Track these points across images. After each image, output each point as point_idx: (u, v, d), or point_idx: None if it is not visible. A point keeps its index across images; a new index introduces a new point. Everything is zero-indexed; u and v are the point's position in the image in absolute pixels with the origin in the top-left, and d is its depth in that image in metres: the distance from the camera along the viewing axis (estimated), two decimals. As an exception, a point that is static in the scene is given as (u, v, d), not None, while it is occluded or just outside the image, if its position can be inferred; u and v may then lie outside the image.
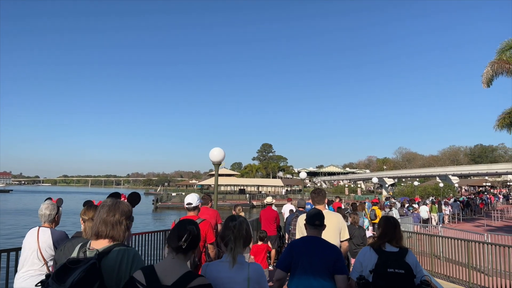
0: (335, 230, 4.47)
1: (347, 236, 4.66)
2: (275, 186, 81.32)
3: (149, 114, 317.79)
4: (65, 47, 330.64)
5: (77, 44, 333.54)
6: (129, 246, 2.44)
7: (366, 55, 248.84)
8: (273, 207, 10.97)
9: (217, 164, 9.77)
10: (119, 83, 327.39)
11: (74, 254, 2.30)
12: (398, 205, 22.12)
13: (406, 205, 22.90)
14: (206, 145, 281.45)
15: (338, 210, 11.26)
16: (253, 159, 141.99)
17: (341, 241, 4.57)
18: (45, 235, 3.67)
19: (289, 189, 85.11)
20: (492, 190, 64.29)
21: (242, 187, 73.99)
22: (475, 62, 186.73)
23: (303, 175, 18.92)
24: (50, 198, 3.97)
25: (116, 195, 3.00)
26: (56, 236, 3.69)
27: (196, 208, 5.00)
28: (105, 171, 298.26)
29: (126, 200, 2.86)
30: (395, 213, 17.71)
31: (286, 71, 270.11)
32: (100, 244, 2.29)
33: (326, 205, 5.59)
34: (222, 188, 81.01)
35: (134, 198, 3.34)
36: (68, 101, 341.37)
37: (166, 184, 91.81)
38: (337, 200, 15.68)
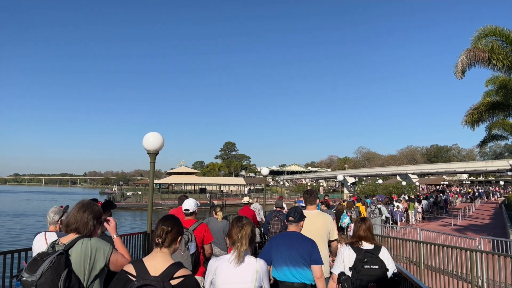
0: (324, 230, 4.74)
1: (336, 236, 4.94)
2: (237, 185, 79.13)
3: (109, 111, 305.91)
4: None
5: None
6: (92, 237, 2.78)
7: (324, 57, 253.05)
8: (251, 207, 11.13)
9: (154, 154, 7.60)
10: (73, 78, 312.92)
11: (45, 249, 2.61)
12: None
13: (393, 203, 22.44)
14: (168, 144, 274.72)
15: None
16: (216, 157, 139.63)
17: (330, 241, 4.85)
18: (52, 238, 3.75)
19: (251, 188, 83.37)
20: (447, 189, 65.80)
21: (202, 186, 71.28)
22: (432, 68, 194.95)
23: (265, 171, 17.05)
24: (61, 206, 4.21)
25: (94, 201, 3.29)
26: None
27: (193, 213, 5.12)
28: (60, 170, 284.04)
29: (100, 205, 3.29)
30: (383, 210, 18.17)
31: (248, 71, 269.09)
32: (66, 239, 2.67)
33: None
34: (177, 187, 77.97)
35: (107, 205, 3.64)
36: (20, 94, 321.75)
37: (121, 183, 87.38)
38: (326, 197, 16.43)
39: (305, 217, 4.13)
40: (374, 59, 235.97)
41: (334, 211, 13.52)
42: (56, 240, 2.66)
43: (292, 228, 3.99)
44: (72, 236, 2.70)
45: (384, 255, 3.75)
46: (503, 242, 10.89)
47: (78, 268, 2.52)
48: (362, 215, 16.11)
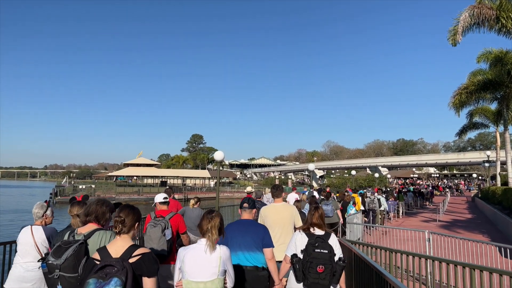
0: (290, 219, 5.41)
1: (301, 223, 5.35)
2: (201, 178, 74.57)
3: (71, 103, 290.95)
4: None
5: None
6: (107, 230, 3.24)
7: (294, 53, 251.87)
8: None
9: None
10: (35, 65, 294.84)
11: (65, 238, 3.20)
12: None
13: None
14: (134, 137, 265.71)
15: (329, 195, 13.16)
16: (182, 150, 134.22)
17: (295, 228, 5.15)
18: (38, 232, 4.14)
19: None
20: (422, 182, 64.64)
21: (164, 179, 66.53)
22: (398, 66, 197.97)
23: (219, 155, 13.40)
24: (45, 202, 4.56)
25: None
26: (48, 232, 4.19)
27: (166, 203, 5.69)
28: (19, 163, 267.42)
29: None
30: (382, 201, 18.26)
31: (218, 65, 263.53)
32: (85, 229, 3.16)
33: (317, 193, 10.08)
34: (140, 181, 72.93)
35: (116, 206, 3.93)
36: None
37: (73, 175, 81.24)
38: (328, 189, 16.92)
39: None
40: (342, 57, 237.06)
41: (341, 202, 13.56)
42: (74, 230, 3.24)
43: (245, 215, 4.39)
44: (90, 227, 3.19)
45: (333, 241, 3.98)
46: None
47: None
48: (358, 206, 15.92)
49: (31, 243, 4.04)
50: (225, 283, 3.19)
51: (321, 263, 3.74)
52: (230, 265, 3.24)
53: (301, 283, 3.84)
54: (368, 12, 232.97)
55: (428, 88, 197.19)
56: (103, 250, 2.65)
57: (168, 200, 5.78)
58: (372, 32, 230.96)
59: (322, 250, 3.80)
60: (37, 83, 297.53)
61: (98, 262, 2.53)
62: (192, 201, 8.52)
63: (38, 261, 3.00)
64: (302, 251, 3.89)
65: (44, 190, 72.01)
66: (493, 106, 26.45)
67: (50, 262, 2.76)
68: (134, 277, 2.47)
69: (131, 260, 2.54)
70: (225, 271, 3.16)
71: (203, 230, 3.21)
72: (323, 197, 13.40)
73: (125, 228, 2.73)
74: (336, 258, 3.85)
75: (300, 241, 3.98)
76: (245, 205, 4.34)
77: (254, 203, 4.44)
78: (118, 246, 2.66)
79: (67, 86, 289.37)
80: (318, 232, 4.02)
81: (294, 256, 3.90)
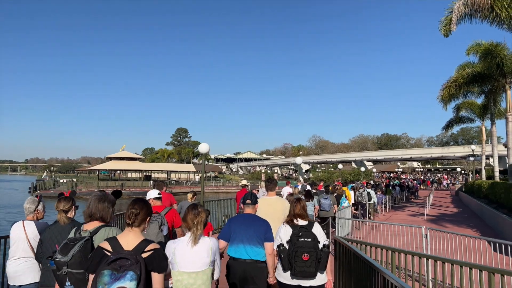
0: (281, 213, 5.48)
1: None
2: (186, 172, 73.57)
3: (55, 96, 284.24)
4: None
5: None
6: (113, 226, 3.36)
7: (280, 48, 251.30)
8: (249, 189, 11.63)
9: None
10: (16, 60, 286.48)
11: (72, 235, 3.19)
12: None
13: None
14: (118, 130, 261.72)
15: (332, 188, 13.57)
16: (167, 144, 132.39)
17: None
18: (31, 227, 4.12)
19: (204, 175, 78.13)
20: (403, 176, 65.20)
21: (148, 173, 65.34)
22: (382, 63, 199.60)
23: (204, 148, 12.79)
24: (37, 196, 4.48)
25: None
26: (40, 227, 4.12)
27: (159, 199, 5.90)
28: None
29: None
30: (373, 195, 18.25)
31: (203, 59, 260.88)
32: (91, 226, 3.21)
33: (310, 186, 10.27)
34: (123, 175, 71.51)
35: (117, 193, 4.26)
36: None
37: (53, 169, 79.31)
38: (321, 183, 17.49)
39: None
40: (327, 52, 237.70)
41: (335, 195, 13.57)
42: (80, 227, 3.26)
43: (248, 210, 4.51)
44: (95, 224, 3.24)
45: (317, 229, 4.15)
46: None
47: None
48: (349, 199, 15.94)
49: (23, 238, 4.05)
50: (212, 273, 3.27)
51: (306, 251, 3.88)
52: (218, 255, 3.36)
53: (289, 272, 3.97)
54: (355, 9, 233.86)
55: (411, 83, 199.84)
56: (113, 241, 2.62)
57: (161, 196, 5.96)
58: (358, 28, 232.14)
59: (306, 239, 3.95)
60: (18, 77, 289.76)
61: (108, 253, 2.51)
62: (189, 195, 8.82)
63: (47, 258, 3.01)
64: (287, 242, 4.03)
65: (24, 184, 69.95)
66: (480, 100, 26.55)
67: (57, 259, 2.82)
68: (146, 272, 2.47)
69: (144, 255, 2.54)
70: (213, 261, 3.25)
71: (189, 225, 3.27)
72: (315, 191, 13.09)
73: (137, 222, 2.73)
74: (320, 246, 4.00)
75: (284, 233, 4.13)
76: (248, 201, 4.50)
77: (257, 198, 4.58)
78: (129, 238, 2.65)
79: (49, 79, 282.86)
80: (302, 222, 4.18)
81: (280, 245, 4.05)
